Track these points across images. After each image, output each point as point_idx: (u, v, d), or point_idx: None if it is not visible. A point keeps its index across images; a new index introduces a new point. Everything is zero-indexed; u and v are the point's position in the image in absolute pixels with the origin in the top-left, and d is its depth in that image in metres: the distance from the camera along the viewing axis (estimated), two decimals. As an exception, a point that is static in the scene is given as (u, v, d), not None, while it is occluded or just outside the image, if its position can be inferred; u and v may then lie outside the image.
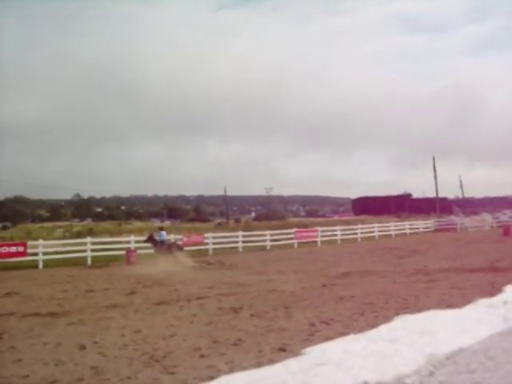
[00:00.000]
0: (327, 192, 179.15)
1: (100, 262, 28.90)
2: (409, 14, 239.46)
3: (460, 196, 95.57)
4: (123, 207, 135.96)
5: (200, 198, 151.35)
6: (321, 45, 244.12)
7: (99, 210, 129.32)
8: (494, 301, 1.38)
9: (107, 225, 69.44)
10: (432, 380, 0.86)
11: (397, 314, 1.24)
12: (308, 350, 0.88)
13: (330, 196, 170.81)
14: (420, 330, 1.01)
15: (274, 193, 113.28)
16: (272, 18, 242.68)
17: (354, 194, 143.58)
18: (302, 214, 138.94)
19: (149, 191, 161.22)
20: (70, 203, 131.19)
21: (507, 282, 1.72)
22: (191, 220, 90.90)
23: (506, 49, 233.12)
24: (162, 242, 29.66)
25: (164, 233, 30.78)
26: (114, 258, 29.72)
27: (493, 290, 1.62)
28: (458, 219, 58.71)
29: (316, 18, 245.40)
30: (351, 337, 0.99)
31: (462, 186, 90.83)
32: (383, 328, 1.06)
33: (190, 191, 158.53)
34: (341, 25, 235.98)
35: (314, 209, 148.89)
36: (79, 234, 45.01)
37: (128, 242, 32.67)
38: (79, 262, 28.53)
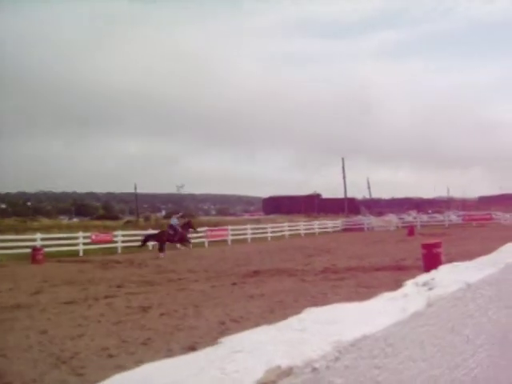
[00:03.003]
0: (238, 191, 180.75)
1: (3, 261, 27.87)
2: (311, 19, 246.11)
3: (368, 197, 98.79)
4: (29, 203, 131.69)
5: (110, 195, 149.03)
6: (226, 45, 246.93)
7: (3, 206, 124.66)
8: (395, 294, 1.51)
9: (12, 221, 66.82)
10: (338, 364, 0.95)
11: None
12: (224, 339, 0.95)
13: (241, 195, 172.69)
14: (326, 320, 1.10)
15: (186, 191, 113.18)
16: (178, 17, 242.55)
17: (265, 193, 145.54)
18: (213, 212, 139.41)
19: (57, 187, 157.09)
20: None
21: (411, 279, 1.83)
22: (100, 217, 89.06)
23: (405, 56, 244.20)
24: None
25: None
26: (19, 257, 28.75)
27: (398, 288, 1.72)
28: (365, 219, 60.75)
29: (221, 18, 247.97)
30: (263, 327, 1.06)
31: (369, 187, 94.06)
32: (292, 319, 1.14)
33: (100, 188, 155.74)
34: (246, 26, 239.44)
35: (225, 207, 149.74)
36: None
37: (34, 240, 31.67)
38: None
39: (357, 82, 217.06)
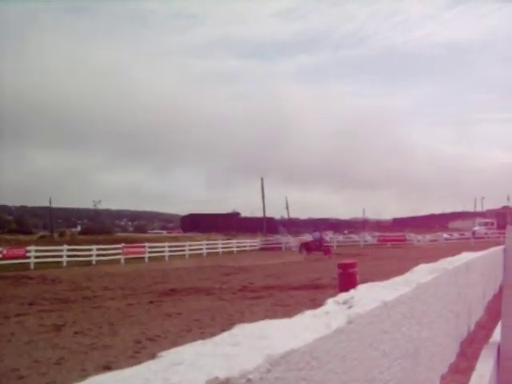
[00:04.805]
0: (156, 208, 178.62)
1: None
2: (231, 39, 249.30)
3: (286, 216, 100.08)
4: None
5: (23, 208, 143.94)
6: (145, 61, 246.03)
7: None
8: (317, 312, 1.60)
9: None
10: (269, 376, 1.02)
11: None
12: (164, 353, 0.99)
13: (158, 212, 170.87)
14: (257, 335, 1.17)
15: (103, 206, 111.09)
16: (96, 31, 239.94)
17: (183, 210, 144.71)
18: (130, 229, 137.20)
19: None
20: None
21: (327, 298, 1.91)
22: (12, 232, 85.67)
23: (323, 79, 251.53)
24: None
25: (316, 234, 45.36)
26: None
27: (314, 306, 1.80)
28: (283, 239, 61.42)
29: (140, 34, 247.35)
30: (199, 342, 1.12)
31: (287, 207, 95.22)
32: (226, 335, 1.21)
33: (12, 201, 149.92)
34: (166, 43, 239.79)
35: (143, 224, 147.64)
36: None
37: None
38: None
39: (275, 102, 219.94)
